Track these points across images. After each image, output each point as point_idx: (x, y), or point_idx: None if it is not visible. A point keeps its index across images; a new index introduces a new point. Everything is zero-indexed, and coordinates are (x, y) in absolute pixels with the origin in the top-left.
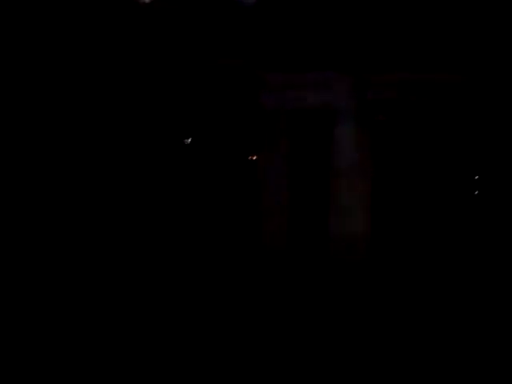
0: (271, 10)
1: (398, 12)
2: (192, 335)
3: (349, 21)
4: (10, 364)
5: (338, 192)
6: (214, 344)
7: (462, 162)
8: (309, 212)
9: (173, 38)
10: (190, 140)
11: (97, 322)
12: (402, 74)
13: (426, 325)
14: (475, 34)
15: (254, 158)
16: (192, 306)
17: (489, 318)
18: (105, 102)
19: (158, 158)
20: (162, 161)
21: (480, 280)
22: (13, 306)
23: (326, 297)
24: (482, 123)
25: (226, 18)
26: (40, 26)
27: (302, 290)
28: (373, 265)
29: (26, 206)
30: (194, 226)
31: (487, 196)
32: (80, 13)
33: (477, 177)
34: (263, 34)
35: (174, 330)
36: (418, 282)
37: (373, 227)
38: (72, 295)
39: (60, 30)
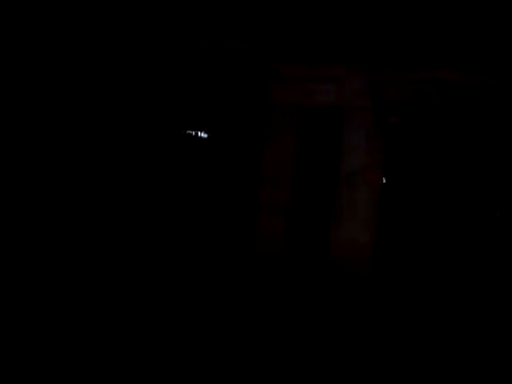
0: None
1: (424, 4)
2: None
3: (367, 13)
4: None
5: (342, 198)
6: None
7: (483, 171)
8: (310, 217)
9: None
10: (187, 134)
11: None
12: (423, 73)
13: (426, 335)
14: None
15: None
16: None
17: (491, 328)
18: (97, 90)
19: (150, 154)
20: (154, 157)
21: (485, 291)
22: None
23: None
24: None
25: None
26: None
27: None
28: (377, 275)
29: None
30: (186, 228)
31: (505, 209)
32: None
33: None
34: (278, 22)
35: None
36: (423, 294)
37: (379, 235)
38: (62, 292)
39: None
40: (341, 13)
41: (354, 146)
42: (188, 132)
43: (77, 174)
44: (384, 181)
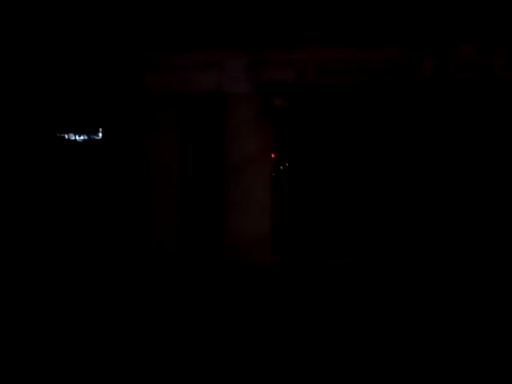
0: None
1: None
2: None
3: None
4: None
5: (233, 187)
6: None
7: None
8: (202, 211)
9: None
10: (65, 133)
11: None
12: (304, 52)
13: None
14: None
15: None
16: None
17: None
18: None
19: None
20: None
21: None
22: None
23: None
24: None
25: None
26: None
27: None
28: (274, 269)
29: None
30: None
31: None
32: None
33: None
34: (146, 7)
35: None
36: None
37: (275, 226)
38: None
39: None
40: None
41: (240, 133)
42: (62, 134)
43: None
44: (277, 166)
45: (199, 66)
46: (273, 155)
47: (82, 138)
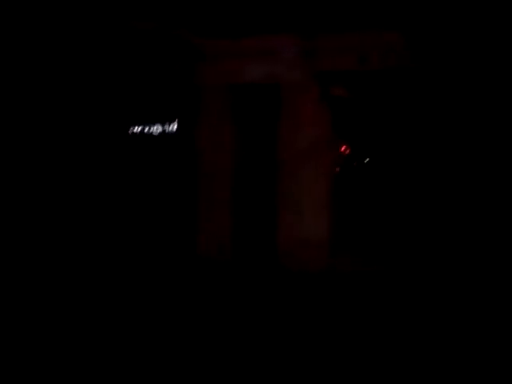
0: None
1: None
2: None
3: None
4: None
5: (289, 185)
6: None
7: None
8: (257, 208)
9: None
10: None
11: None
12: (364, 36)
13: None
14: None
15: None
16: None
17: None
18: None
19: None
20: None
21: None
22: None
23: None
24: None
25: None
26: None
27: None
28: (330, 277)
29: None
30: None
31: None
32: None
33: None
34: None
35: None
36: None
37: (334, 227)
38: None
39: None
40: None
41: (296, 125)
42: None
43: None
44: (337, 161)
45: (252, 53)
46: (333, 149)
47: (139, 130)
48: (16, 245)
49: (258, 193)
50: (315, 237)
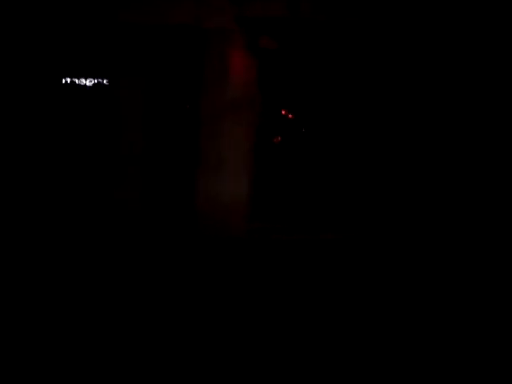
0: None
1: None
2: None
3: None
4: None
5: (211, 143)
6: None
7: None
8: (173, 166)
9: None
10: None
11: None
12: None
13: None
14: None
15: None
16: None
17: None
18: None
19: None
20: None
21: None
22: None
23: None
24: None
25: None
26: None
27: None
28: (250, 240)
29: None
30: None
31: None
32: None
33: None
34: None
35: None
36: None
37: (255, 190)
38: None
39: None
40: None
41: (220, 77)
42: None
43: None
44: (261, 118)
45: None
46: (258, 106)
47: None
48: None
49: (176, 149)
50: (235, 199)
